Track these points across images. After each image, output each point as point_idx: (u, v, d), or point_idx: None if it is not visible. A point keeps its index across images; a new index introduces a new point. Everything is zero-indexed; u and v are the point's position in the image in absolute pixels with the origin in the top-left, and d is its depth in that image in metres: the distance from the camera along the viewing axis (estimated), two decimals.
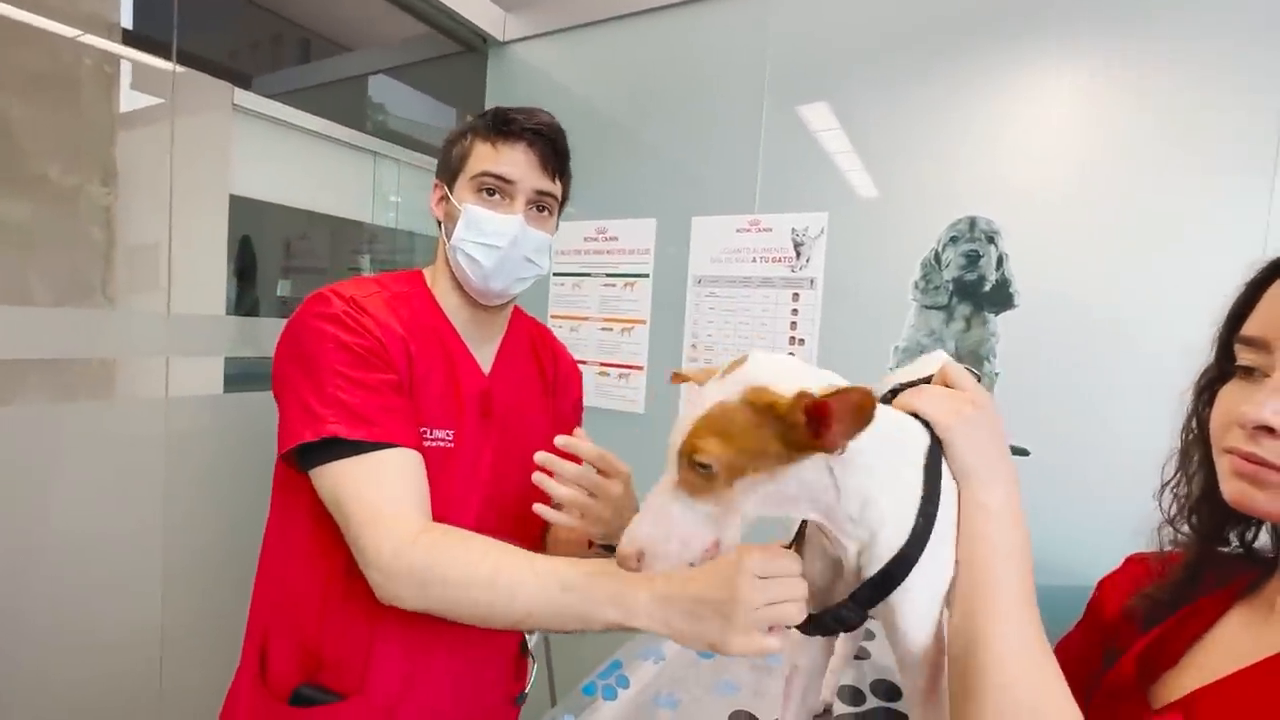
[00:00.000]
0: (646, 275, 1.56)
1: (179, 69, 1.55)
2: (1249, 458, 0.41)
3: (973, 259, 1.21)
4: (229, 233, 1.73)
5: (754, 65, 1.41)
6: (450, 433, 0.79)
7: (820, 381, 0.41)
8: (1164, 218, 1.05)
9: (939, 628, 0.45)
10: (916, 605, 0.45)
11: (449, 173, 0.83)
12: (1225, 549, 0.51)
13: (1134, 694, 0.48)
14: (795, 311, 1.39)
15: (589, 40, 1.63)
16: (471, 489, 0.81)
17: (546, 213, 0.84)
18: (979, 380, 0.52)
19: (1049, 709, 0.38)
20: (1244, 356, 0.44)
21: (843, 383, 0.41)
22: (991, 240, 1.19)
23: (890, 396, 0.52)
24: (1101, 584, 0.61)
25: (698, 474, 0.39)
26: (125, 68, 1.41)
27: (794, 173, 1.37)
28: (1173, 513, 0.53)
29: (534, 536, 0.89)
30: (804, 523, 0.51)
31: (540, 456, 0.72)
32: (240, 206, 1.83)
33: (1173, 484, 0.53)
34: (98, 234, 1.39)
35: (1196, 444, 0.51)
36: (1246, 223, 0.99)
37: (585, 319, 1.65)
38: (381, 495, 0.67)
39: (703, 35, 1.48)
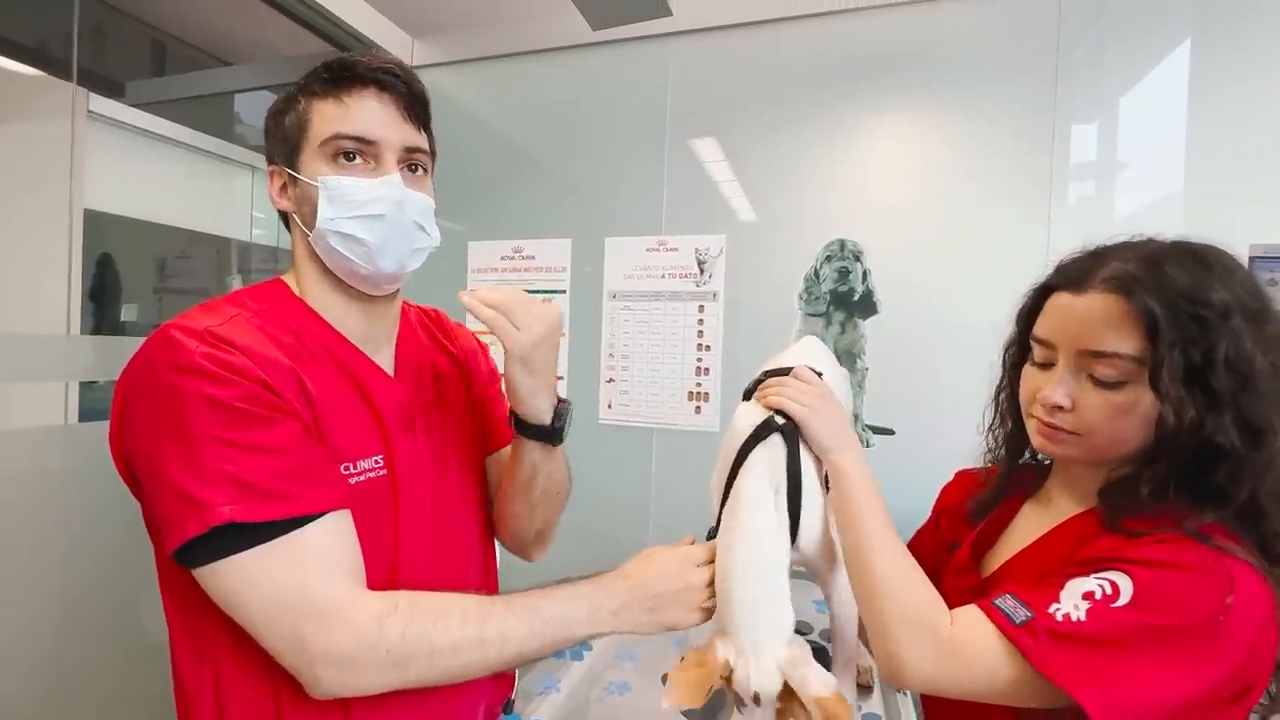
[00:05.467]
0: (564, 291, 1.67)
1: (14, 66, 1.45)
2: (1049, 424, 0.60)
3: (844, 274, 1.46)
4: (84, 250, 1.60)
5: (656, 102, 1.59)
6: (379, 457, 0.66)
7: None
8: (974, 236, 1.37)
9: (826, 534, 0.71)
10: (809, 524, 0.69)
11: (286, 151, 0.67)
12: (1023, 462, 0.73)
13: (970, 570, 0.69)
14: (701, 321, 1.57)
15: (500, 71, 1.72)
16: (419, 514, 0.70)
17: (422, 172, 0.70)
18: (845, 373, 0.75)
19: (917, 593, 0.58)
20: (1037, 350, 0.62)
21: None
22: (858, 258, 1.45)
23: (755, 386, 0.74)
24: (941, 491, 0.86)
25: None
26: None
27: (695, 200, 1.57)
28: (993, 444, 0.75)
29: (484, 542, 0.85)
30: (717, 522, 0.69)
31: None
32: (97, 222, 1.69)
33: (992, 425, 0.75)
34: None
35: (1008, 401, 0.71)
36: (1033, 238, 1.32)
37: None
38: (313, 582, 0.56)
39: (610, 72, 1.64)
